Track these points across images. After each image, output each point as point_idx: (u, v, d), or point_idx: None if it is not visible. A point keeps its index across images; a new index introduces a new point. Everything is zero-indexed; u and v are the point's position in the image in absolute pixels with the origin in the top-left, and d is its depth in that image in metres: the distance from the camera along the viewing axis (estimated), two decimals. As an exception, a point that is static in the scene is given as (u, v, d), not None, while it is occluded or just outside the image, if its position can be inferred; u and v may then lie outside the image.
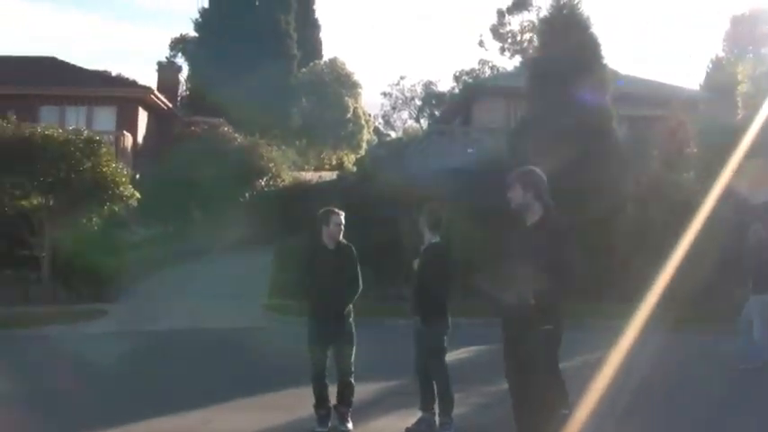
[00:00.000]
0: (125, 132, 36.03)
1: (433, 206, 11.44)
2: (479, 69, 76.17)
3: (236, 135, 41.19)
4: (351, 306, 10.98)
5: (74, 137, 26.64)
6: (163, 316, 23.81)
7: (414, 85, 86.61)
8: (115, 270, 27.10)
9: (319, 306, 10.87)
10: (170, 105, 41.83)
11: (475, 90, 41.86)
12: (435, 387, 10.85)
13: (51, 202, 26.64)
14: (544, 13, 31.22)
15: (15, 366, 17.21)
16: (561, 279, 8.00)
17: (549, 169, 8.69)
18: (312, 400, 11.00)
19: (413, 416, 11.02)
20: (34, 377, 15.81)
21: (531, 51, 56.75)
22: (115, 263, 27.12)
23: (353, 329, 10.99)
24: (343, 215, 11.00)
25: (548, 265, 7.98)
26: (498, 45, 73.08)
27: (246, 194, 39.46)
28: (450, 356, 11.08)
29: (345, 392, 10.98)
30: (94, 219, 27.61)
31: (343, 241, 11.04)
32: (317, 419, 10.94)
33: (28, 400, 13.46)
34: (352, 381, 10.98)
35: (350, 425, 10.93)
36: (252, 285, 28.14)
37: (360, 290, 11.05)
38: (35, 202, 26.84)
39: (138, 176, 29.18)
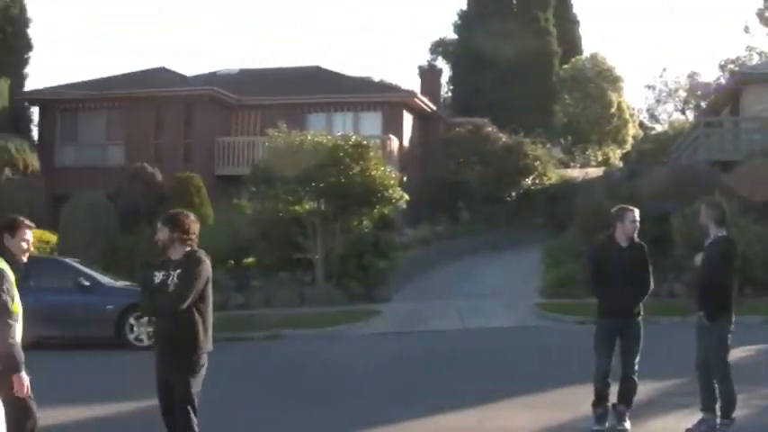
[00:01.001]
0: (391, 136, 36.50)
1: (716, 199, 11.04)
2: (746, 56, 73.21)
3: (501, 135, 41.12)
4: (640, 305, 10.72)
5: (342, 142, 27.15)
6: (435, 316, 23.99)
7: (677, 77, 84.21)
8: (386, 271, 27.50)
9: (609, 304, 10.65)
10: (433, 108, 42.16)
11: (743, 78, 40.09)
12: (717, 386, 10.41)
13: (323, 207, 27.27)
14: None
15: (299, 365, 17.72)
16: None
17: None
18: (591, 398, 10.76)
19: (693, 416, 10.62)
20: (318, 375, 16.23)
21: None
22: (386, 264, 27.51)
23: (641, 328, 10.70)
24: (637, 212, 10.74)
25: None
26: (765, 30, 70.00)
27: (513, 193, 39.38)
28: (731, 355, 10.58)
29: (627, 391, 10.71)
30: (365, 221, 28.10)
31: (637, 240, 10.77)
32: (595, 417, 10.70)
33: (317, 396, 13.81)
34: (636, 379, 10.70)
35: (627, 424, 10.64)
36: (521, 284, 28.02)
37: (650, 289, 10.77)
38: (307, 206, 27.54)
39: (405, 179, 29.52)
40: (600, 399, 10.70)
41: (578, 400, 11.38)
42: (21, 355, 7.88)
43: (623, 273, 10.54)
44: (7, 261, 8.12)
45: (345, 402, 13.37)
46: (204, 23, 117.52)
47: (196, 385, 8.12)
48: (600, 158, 58.48)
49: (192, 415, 8.06)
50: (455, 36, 62.77)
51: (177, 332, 8.09)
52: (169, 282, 8.10)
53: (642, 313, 10.76)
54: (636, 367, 10.70)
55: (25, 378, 7.87)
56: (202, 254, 8.26)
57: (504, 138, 40.90)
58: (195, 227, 8.35)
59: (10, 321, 7.85)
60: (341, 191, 26.40)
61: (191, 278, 8.06)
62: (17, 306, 8.12)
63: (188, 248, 8.26)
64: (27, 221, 8.47)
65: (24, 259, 8.39)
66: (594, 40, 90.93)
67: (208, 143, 36.54)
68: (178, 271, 8.11)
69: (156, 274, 8.22)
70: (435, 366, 17.01)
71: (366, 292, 26.93)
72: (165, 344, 8.25)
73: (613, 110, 61.66)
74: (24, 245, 8.36)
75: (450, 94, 62.97)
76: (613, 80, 62.13)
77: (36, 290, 17.13)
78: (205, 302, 8.20)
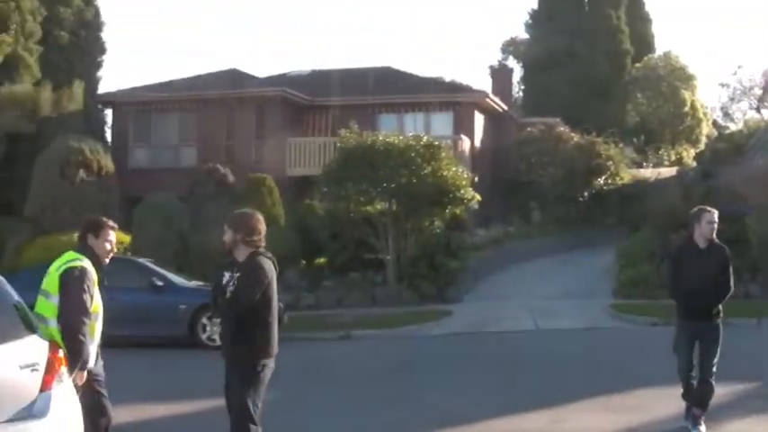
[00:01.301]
0: (462, 136, 36.41)
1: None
2: (824, 53, 71.87)
3: (573, 134, 40.82)
4: (720, 306, 10.58)
5: (414, 143, 27.09)
6: (505, 316, 23.88)
7: (752, 74, 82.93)
8: (458, 271, 27.43)
9: (687, 306, 10.58)
10: (505, 108, 41.96)
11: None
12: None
13: (394, 207, 27.23)
14: None
15: (371, 366, 17.71)
16: None
17: None
18: (665, 401, 10.95)
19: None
20: (389, 375, 16.17)
21: None
22: (457, 264, 27.43)
23: (720, 330, 10.57)
24: (716, 213, 10.60)
25: None
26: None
27: (585, 193, 39.04)
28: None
29: (704, 394, 10.58)
30: (436, 222, 28.02)
31: (717, 241, 10.64)
32: (685, 411, 10.78)
33: (389, 396, 13.76)
34: (713, 382, 10.55)
35: (703, 428, 10.54)
36: (594, 285, 27.83)
37: (730, 292, 10.62)
38: (379, 207, 27.52)
39: (476, 179, 29.37)
40: (688, 392, 10.70)
41: (652, 404, 11.30)
42: (88, 354, 7.93)
43: (701, 274, 10.43)
44: (90, 261, 8.18)
45: (419, 402, 13.32)
46: (275, 25, 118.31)
47: (255, 389, 7.91)
48: (673, 158, 57.88)
49: (247, 418, 7.86)
50: (526, 36, 62.54)
51: (237, 335, 7.95)
52: (231, 284, 7.94)
53: (722, 315, 10.62)
54: (714, 369, 10.56)
55: (85, 375, 7.92)
56: (264, 258, 8.01)
57: (576, 137, 40.60)
58: (260, 227, 8.09)
59: (85, 319, 7.90)
60: (412, 191, 26.35)
61: (247, 284, 7.85)
62: (97, 306, 8.18)
63: (252, 250, 8.02)
64: (111, 222, 8.51)
65: (107, 260, 8.43)
66: (667, 38, 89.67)
67: (279, 144, 36.65)
68: (239, 274, 7.93)
69: (225, 274, 8.04)
70: (507, 367, 16.92)
71: (437, 293, 26.92)
72: (227, 345, 8.13)
73: (686, 109, 60.96)
74: (108, 246, 8.41)
75: (521, 93, 62.71)
76: (686, 78, 61.43)
77: (110, 289, 17.19)
78: (268, 307, 7.99)
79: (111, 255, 8.50)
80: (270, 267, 7.99)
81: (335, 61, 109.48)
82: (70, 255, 8.22)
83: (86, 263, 8.09)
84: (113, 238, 8.46)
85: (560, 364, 17.04)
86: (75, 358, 7.74)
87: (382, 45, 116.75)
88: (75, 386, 7.72)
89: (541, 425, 11.61)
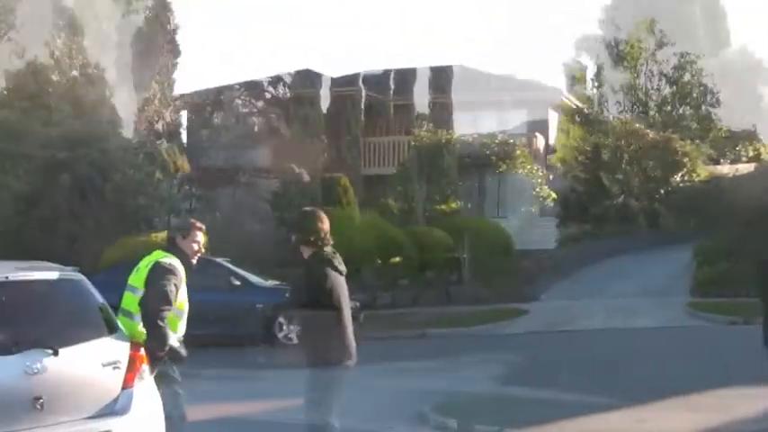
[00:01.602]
0: (536, 134, 36.26)
1: None
2: None
3: (648, 131, 40.43)
4: None
5: (488, 141, 27.08)
6: (582, 315, 23.75)
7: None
8: (534, 270, 27.29)
9: None
10: (579, 105, 41.72)
11: None
12: None
13: (469, 206, 27.20)
14: None
15: (443, 366, 17.65)
16: None
17: None
18: (744, 402, 10.76)
19: None
20: (462, 375, 16.12)
21: None
22: (533, 263, 27.30)
23: None
24: None
25: None
26: None
27: (661, 190, 38.67)
28: None
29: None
30: (512, 220, 27.95)
31: None
32: None
33: (463, 396, 13.71)
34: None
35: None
36: (671, 283, 27.57)
37: None
38: (453, 206, 27.50)
39: (551, 177, 29.26)
40: None
41: (734, 404, 11.16)
42: (166, 338, 8.00)
43: None
44: (179, 260, 8.32)
45: (494, 401, 13.24)
46: (348, 24, 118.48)
47: (330, 389, 7.81)
48: (751, 154, 57.05)
49: (323, 419, 7.73)
50: (600, 32, 62.07)
51: (311, 335, 7.95)
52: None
53: None
54: None
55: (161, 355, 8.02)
56: (318, 261, 7.86)
57: (652, 134, 40.21)
58: (318, 226, 7.91)
59: (167, 307, 8.00)
60: (486, 189, 26.33)
61: (303, 285, 7.87)
62: (182, 304, 8.29)
63: (313, 250, 7.88)
64: (198, 223, 8.66)
65: (194, 261, 8.55)
66: (743, 32, 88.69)
67: (354, 143, 36.74)
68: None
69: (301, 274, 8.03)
70: (584, 366, 16.74)
71: (513, 291, 26.76)
72: (302, 346, 8.16)
73: (763, 104, 60.05)
74: (195, 246, 8.53)
75: (595, 90, 62.22)
76: (763, 73, 60.52)
77: (189, 289, 17.41)
78: (331, 306, 7.76)
79: (199, 255, 8.62)
80: (322, 270, 7.82)
81: (407, 60, 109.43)
82: (159, 253, 8.38)
83: (175, 261, 8.24)
84: (201, 239, 8.60)
85: (638, 363, 16.84)
86: (154, 343, 7.86)
87: (454, 44, 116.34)
88: (156, 378, 7.85)
89: (626, 424, 11.52)
